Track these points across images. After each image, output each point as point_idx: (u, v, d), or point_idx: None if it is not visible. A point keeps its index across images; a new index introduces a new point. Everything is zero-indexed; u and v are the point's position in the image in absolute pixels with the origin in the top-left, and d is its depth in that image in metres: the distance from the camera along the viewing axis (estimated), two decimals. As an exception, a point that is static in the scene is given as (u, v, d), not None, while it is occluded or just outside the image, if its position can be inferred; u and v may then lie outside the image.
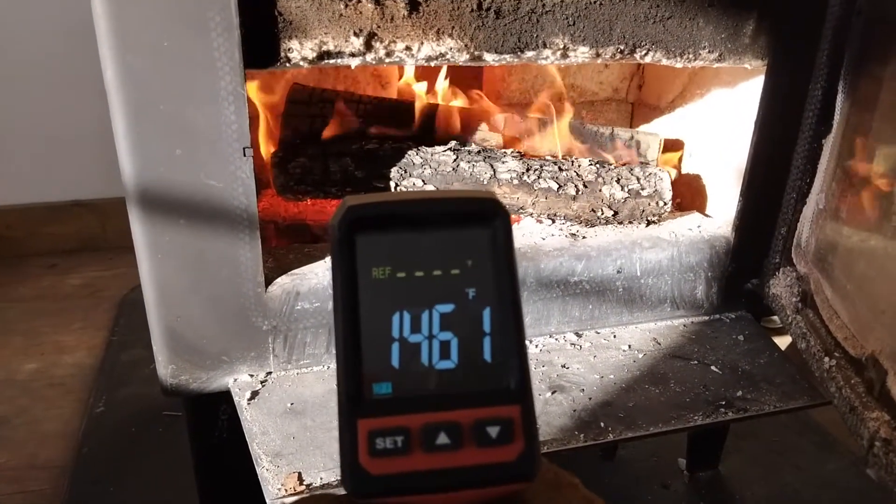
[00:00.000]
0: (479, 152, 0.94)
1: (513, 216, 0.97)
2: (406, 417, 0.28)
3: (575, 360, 0.87)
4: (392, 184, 0.90)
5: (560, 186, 0.93)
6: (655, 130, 1.11)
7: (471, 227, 0.30)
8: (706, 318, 0.97)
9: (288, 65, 0.70)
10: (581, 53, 0.78)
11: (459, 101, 1.05)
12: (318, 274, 0.81)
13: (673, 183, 0.98)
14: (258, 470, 0.69)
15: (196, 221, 0.72)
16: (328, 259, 0.85)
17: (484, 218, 0.30)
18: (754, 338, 0.93)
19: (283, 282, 0.79)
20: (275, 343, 0.80)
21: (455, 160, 0.91)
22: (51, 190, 1.69)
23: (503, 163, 0.93)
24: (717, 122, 1.03)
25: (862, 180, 0.82)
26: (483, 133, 1.00)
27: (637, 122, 1.25)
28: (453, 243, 0.30)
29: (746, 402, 0.82)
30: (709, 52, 0.82)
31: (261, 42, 0.68)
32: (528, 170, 0.93)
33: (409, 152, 0.91)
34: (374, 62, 0.72)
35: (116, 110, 0.67)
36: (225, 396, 0.80)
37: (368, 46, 0.71)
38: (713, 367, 0.87)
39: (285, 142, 0.94)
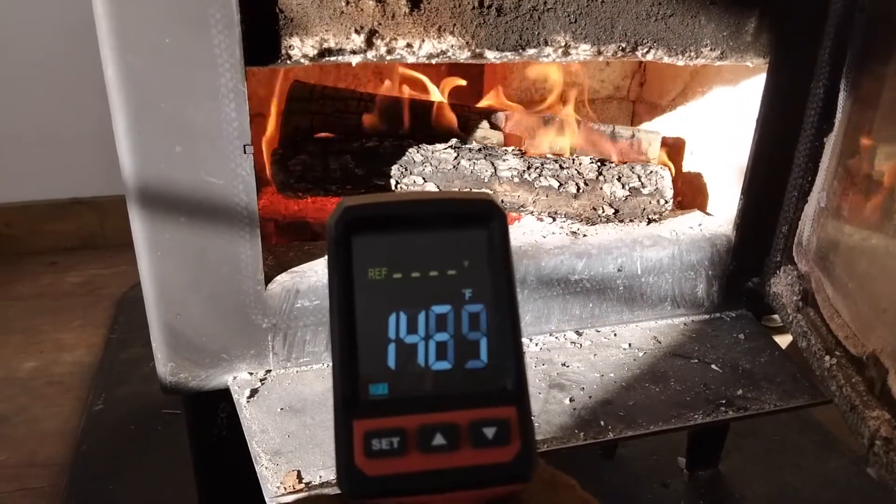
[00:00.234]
0: (479, 150, 0.93)
1: (513, 214, 0.97)
2: (402, 418, 0.28)
3: (575, 358, 0.87)
4: (392, 181, 0.90)
5: (561, 184, 0.93)
6: (657, 128, 1.11)
7: (467, 228, 0.30)
8: (707, 316, 0.96)
9: (289, 62, 0.69)
10: (583, 51, 0.78)
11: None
12: (318, 272, 0.81)
13: (674, 181, 0.98)
14: (257, 468, 0.69)
15: (196, 219, 0.72)
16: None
17: (480, 219, 0.30)
18: (755, 336, 0.93)
19: (282, 279, 0.79)
20: (274, 341, 0.80)
21: (456, 158, 0.91)
22: (51, 188, 1.68)
23: (504, 161, 0.92)
24: (718, 120, 1.03)
25: (864, 179, 0.82)
26: (484, 131, 1.00)
27: (638, 120, 1.25)
28: (450, 244, 0.30)
29: (747, 401, 0.82)
30: (710, 49, 0.82)
31: (261, 39, 0.68)
32: (528, 168, 0.93)
33: (410, 150, 0.90)
34: (375, 59, 0.72)
35: (117, 108, 0.66)
36: (224, 394, 0.80)
37: (369, 44, 0.71)
38: (714, 366, 0.87)
39: (285, 139, 0.94)
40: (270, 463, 0.70)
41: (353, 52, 0.71)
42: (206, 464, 0.88)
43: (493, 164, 0.92)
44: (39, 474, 1.04)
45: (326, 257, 0.29)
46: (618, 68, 1.21)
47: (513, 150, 0.95)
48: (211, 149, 0.69)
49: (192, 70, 0.66)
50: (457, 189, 0.91)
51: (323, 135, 0.95)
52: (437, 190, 0.90)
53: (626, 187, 0.95)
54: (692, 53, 0.81)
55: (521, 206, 0.94)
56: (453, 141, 0.94)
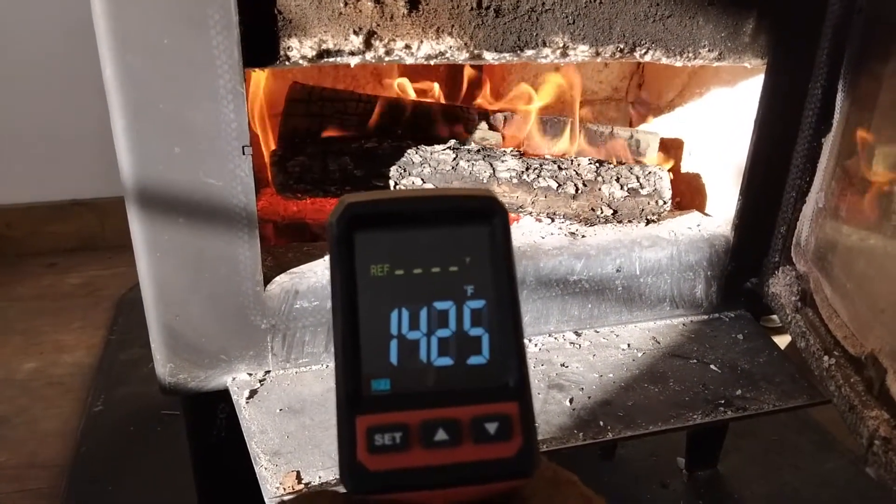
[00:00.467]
0: (478, 151, 0.93)
1: (512, 215, 0.97)
2: (404, 414, 0.28)
3: (574, 358, 0.87)
4: (391, 182, 0.90)
5: (559, 185, 0.93)
6: (655, 130, 1.11)
7: (469, 225, 0.30)
8: (705, 317, 0.97)
9: (287, 63, 0.69)
10: (581, 52, 0.78)
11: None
12: (317, 272, 0.81)
13: (672, 182, 0.98)
14: (256, 469, 0.69)
15: (195, 220, 0.72)
16: (327, 257, 0.85)
17: (482, 215, 0.30)
18: (753, 337, 0.93)
19: (281, 280, 0.79)
20: (273, 342, 0.80)
21: (454, 159, 0.91)
22: (50, 189, 1.69)
23: (502, 161, 0.93)
24: (716, 121, 1.03)
25: (862, 179, 0.82)
26: (482, 132, 1.00)
27: (637, 121, 1.25)
28: (452, 241, 0.30)
29: (745, 401, 0.82)
30: (708, 50, 0.82)
31: (260, 40, 0.68)
32: (527, 168, 0.93)
33: (409, 151, 0.91)
34: (373, 61, 0.72)
35: (115, 109, 0.67)
36: (223, 395, 0.80)
37: (368, 45, 0.71)
38: (712, 366, 0.87)
39: (284, 140, 0.94)
40: (270, 463, 0.70)
41: (352, 54, 0.71)
42: (205, 464, 0.88)
43: (491, 165, 0.92)
44: (39, 475, 1.04)
45: (328, 254, 0.29)
46: (616, 69, 1.21)
47: (511, 151, 0.95)
48: (209, 150, 0.70)
49: (191, 71, 0.66)
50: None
51: (324, 133, 0.95)
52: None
53: (625, 188, 0.95)
54: (690, 54, 0.81)
55: (520, 206, 0.94)
56: (452, 142, 0.94)
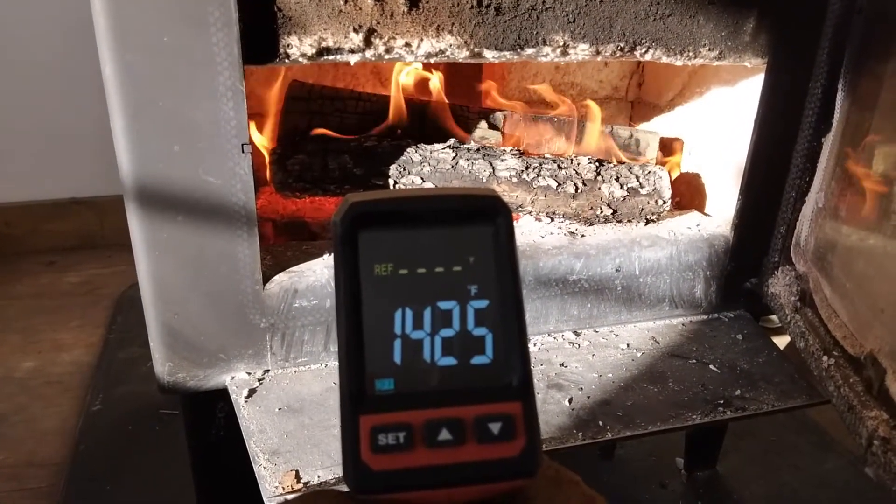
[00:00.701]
0: (478, 150, 0.93)
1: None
2: (408, 413, 0.28)
3: (573, 358, 0.87)
4: (391, 181, 0.90)
5: (559, 184, 0.93)
6: (655, 129, 1.11)
7: (473, 225, 0.30)
8: (705, 317, 0.97)
9: (287, 61, 0.69)
10: (581, 51, 0.78)
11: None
12: (317, 271, 0.81)
13: (672, 181, 0.98)
14: (255, 468, 0.69)
15: (194, 218, 0.72)
16: (326, 256, 0.85)
17: (486, 215, 0.30)
18: (753, 337, 0.93)
19: (281, 279, 0.79)
20: (272, 341, 0.80)
21: (454, 158, 0.91)
22: (49, 187, 1.68)
23: (502, 161, 0.93)
24: (716, 121, 1.03)
25: (861, 179, 0.82)
26: (482, 131, 1.00)
27: (637, 120, 1.25)
28: (455, 240, 0.30)
29: (745, 402, 0.82)
30: (709, 49, 0.82)
31: (260, 38, 0.68)
32: (527, 168, 0.93)
33: (408, 150, 0.90)
34: (373, 59, 0.72)
35: (115, 107, 0.66)
36: (222, 394, 0.80)
37: (368, 43, 0.71)
38: (712, 366, 0.87)
39: (284, 138, 0.94)
40: (268, 463, 0.69)
41: (352, 51, 0.71)
42: (203, 464, 0.88)
43: (491, 163, 0.92)
44: (37, 474, 1.04)
45: (332, 253, 0.29)
46: (616, 68, 1.21)
47: (511, 150, 0.95)
48: (209, 148, 0.69)
49: (191, 69, 0.66)
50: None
51: (321, 131, 0.95)
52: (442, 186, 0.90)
53: (625, 187, 0.95)
54: (690, 53, 0.81)
55: (520, 206, 0.94)
56: (451, 141, 0.94)
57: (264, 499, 0.67)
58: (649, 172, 0.97)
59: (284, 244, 0.88)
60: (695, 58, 0.82)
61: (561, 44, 0.76)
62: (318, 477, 0.68)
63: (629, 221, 0.97)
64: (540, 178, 0.93)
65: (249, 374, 0.80)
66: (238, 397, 0.77)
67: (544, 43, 0.76)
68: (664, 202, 0.97)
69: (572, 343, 0.90)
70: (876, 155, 0.80)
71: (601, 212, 0.95)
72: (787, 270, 0.93)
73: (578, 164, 0.96)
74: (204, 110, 0.68)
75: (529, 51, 0.76)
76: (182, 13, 0.64)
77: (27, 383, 1.24)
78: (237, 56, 0.67)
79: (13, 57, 1.55)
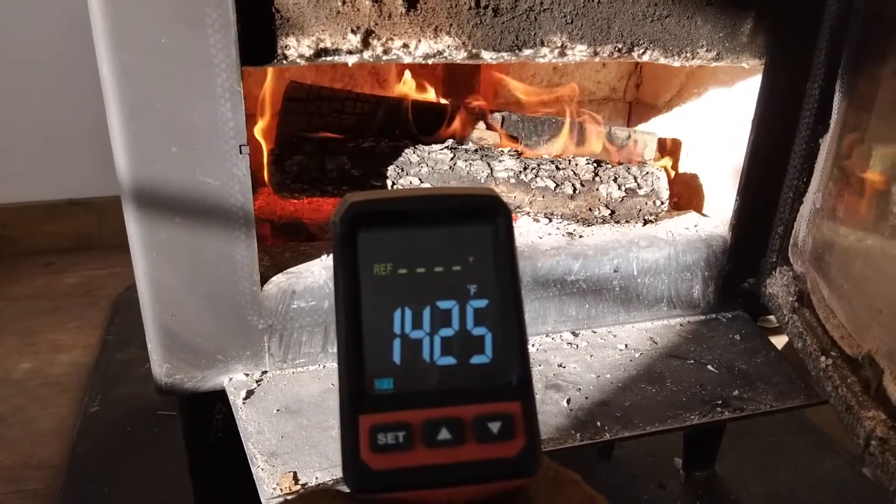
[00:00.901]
0: (476, 151, 0.93)
1: (510, 215, 0.97)
2: (408, 413, 0.28)
3: (571, 359, 0.87)
4: (389, 182, 0.90)
5: (557, 185, 0.93)
6: (653, 130, 1.11)
7: (472, 224, 0.30)
8: (703, 317, 0.97)
9: (285, 62, 0.69)
10: (579, 52, 0.78)
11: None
12: (314, 272, 0.81)
13: (670, 182, 0.98)
14: (253, 469, 0.69)
15: (192, 220, 0.72)
16: (324, 258, 0.85)
17: (485, 215, 0.30)
18: (751, 337, 0.93)
19: (278, 280, 0.79)
20: (270, 342, 0.79)
21: (452, 159, 0.91)
22: (47, 188, 1.68)
23: (500, 161, 0.93)
24: (714, 122, 1.03)
25: (859, 180, 0.82)
26: (480, 132, 1.00)
27: (634, 121, 1.25)
28: (455, 240, 0.30)
29: (743, 402, 0.82)
30: (706, 50, 0.82)
31: (258, 39, 0.68)
32: (525, 168, 0.93)
33: (406, 150, 0.90)
34: (371, 60, 0.72)
35: (112, 108, 0.66)
36: (220, 395, 0.80)
37: (366, 44, 0.71)
38: (710, 367, 0.87)
39: (282, 139, 0.94)
40: (266, 464, 0.69)
41: (350, 53, 0.71)
42: (201, 465, 0.87)
43: (489, 164, 0.92)
44: (35, 476, 1.04)
45: (332, 253, 0.29)
46: (614, 69, 1.21)
47: (509, 150, 0.95)
48: (207, 149, 0.69)
49: (188, 70, 0.66)
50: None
51: (322, 134, 0.95)
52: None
53: (623, 188, 0.95)
54: (688, 54, 0.81)
55: (518, 207, 0.94)
56: (449, 142, 0.94)
57: (262, 500, 0.67)
58: (647, 173, 0.97)
59: (282, 245, 0.88)
60: (692, 59, 0.82)
61: (559, 45, 0.76)
62: (316, 478, 0.68)
63: (627, 222, 0.97)
64: (538, 179, 0.93)
65: (247, 375, 0.80)
66: (236, 399, 0.77)
67: (542, 44, 0.76)
68: (662, 203, 0.97)
69: (570, 344, 0.90)
70: (873, 155, 0.80)
71: (599, 212, 0.95)
72: (784, 271, 0.93)
73: (576, 164, 0.96)
74: (202, 112, 0.68)
75: (527, 52, 0.76)
76: (179, 14, 0.64)
77: (24, 385, 1.24)
78: (235, 57, 0.67)
79: (11, 57, 1.54)
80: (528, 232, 0.94)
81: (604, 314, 0.92)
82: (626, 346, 0.90)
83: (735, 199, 0.92)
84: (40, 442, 1.10)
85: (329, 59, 0.71)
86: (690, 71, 1.07)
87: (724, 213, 0.96)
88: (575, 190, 0.94)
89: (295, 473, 0.68)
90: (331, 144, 0.92)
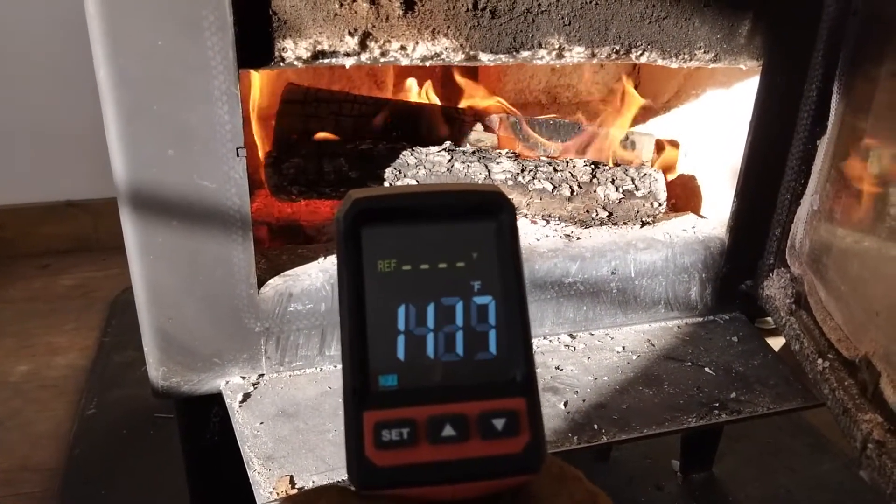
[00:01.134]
0: (473, 153, 0.93)
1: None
2: (412, 409, 0.28)
3: (569, 361, 0.87)
4: (386, 184, 0.90)
5: (555, 187, 0.93)
6: (650, 131, 1.11)
7: (476, 220, 0.30)
8: (700, 319, 0.97)
9: (282, 64, 0.69)
10: (577, 53, 0.78)
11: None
12: (311, 275, 0.81)
13: (667, 184, 0.98)
14: (249, 473, 0.69)
15: (188, 222, 0.71)
16: (321, 260, 0.84)
17: (489, 211, 0.30)
18: (748, 339, 0.93)
19: (275, 283, 0.79)
20: (267, 345, 0.79)
21: (450, 160, 0.91)
22: (44, 190, 1.68)
23: (498, 163, 0.92)
24: (712, 123, 1.03)
25: (856, 181, 0.82)
26: (478, 133, 1.00)
27: (632, 122, 1.24)
28: (459, 236, 0.30)
29: (740, 404, 0.82)
30: (704, 52, 0.82)
31: (255, 41, 0.68)
32: (522, 170, 0.93)
33: (404, 153, 0.90)
34: (368, 62, 0.72)
35: (109, 110, 0.66)
36: (217, 399, 0.79)
37: (363, 46, 0.70)
38: (707, 369, 0.87)
39: (279, 142, 0.94)
40: (263, 468, 0.69)
41: (347, 55, 0.71)
42: (198, 468, 0.87)
43: (486, 166, 0.92)
44: (32, 479, 1.04)
45: (335, 249, 0.29)
46: (612, 70, 1.21)
47: (506, 152, 0.95)
48: (204, 152, 0.69)
49: (185, 72, 0.66)
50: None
51: (319, 136, 0.94)
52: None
53: (620, 190, 0.95)
54: (686, 56, 0.81)
55: (516, 208, 0.94)
56: (447, 144, 0.94)
57: (259, 504, 0.67)
58: (645, 175, 0.97)
59: (279, 248, 0.88)
60: (690, 60, 0.82)
61: (556, 46, 0.76)
62: (313, 482, 0.68)
63: (625, 224, 0.97)
64: (535, 181, 0.93)
65: (244, 378, 0.80)
66: (232, 402, 0.77)
67: (540, 46, 0.76)
68: (660, 204, 0.97)
69: (568, 346, 0.90)
70: (871, 157, 0.80)
71: (597, 214, 0.95)
72: (782, 273, 0.93)
73: (574, 166, 0.96)
74: (199, 114, 0.68)
75: (525, 54, 0.76)
76: (176, 17, 0.64)
77: (21, 387, 1.23)
78: (232, 60, 0.66)
79: (7, 57, 1.54)
80: (525, 234, 0.94)
81: (601, 316, 0.92)
82: (623, 348, 0.90)
83: (732, 201, 0.92)
84: (37, 445, 1.10)
85: (326, 61, 0.70)
86: (688, 72, 1.07)
87: (722, 215, 0.96)
88: (573, 192, 0.94)
89: (291, 477, 0.68)
90: (328, 146, 0.92)
